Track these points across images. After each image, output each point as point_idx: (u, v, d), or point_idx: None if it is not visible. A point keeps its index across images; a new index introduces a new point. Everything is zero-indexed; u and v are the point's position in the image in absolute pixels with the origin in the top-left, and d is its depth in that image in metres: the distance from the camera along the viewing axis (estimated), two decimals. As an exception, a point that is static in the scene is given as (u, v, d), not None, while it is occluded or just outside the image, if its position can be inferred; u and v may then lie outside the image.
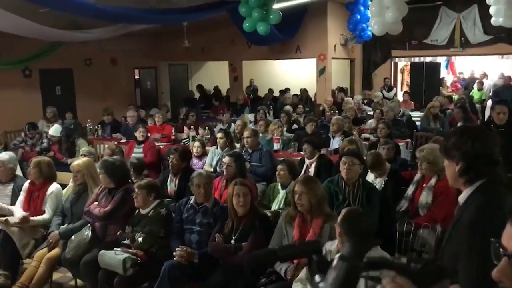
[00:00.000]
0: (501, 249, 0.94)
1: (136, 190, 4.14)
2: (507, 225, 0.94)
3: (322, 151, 5.99)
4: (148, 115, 10.17)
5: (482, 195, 1.88)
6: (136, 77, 15.15)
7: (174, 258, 3.71)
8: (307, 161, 5.64)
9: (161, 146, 7.35)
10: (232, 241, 3.72)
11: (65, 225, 4.52)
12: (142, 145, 6.83)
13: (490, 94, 12.49)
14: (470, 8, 12.68)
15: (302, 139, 7.08)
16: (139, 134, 6.90)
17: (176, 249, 3.74)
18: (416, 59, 14.42)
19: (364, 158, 5.55)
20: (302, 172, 5.51)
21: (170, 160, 5.23)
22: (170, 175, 5.24)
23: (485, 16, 10.95)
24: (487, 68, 14.68)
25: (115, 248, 3.95)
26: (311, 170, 5.55)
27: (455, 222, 1.97)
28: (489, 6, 9.51)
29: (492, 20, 9.65)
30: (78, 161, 4.89)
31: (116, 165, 4.50)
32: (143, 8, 9.12)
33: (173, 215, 4.19)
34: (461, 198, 1.97)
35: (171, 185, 5.17)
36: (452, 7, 12.99)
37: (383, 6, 6.59)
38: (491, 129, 5.16)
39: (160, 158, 6.88)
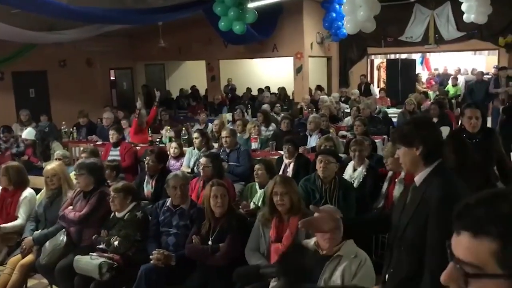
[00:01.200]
0: (448, 251, 0.94)
1: (112, 193, 4.08)
2: (454, 233, 0.94)
3: (300, 150, 6.00)
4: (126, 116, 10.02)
5: (439, 174, 2.18)
6: (112, 78, 14.98)
7: (151, 262, 3.67)
8: (285, 161, 5.63)
9: (137, 148, 7.27)
10: (209, 242, 3.69)
11: (39, 230, 4.43)
12: (119, 147, 6.75)
13: (464, 90, 12.69)
14: (443, 5, 12.89)
15: (280, 137, 7.14)
16: (111, 137, 6.81)
17: (153, 252, 3.70)
18: (392, 56, 14.59)
19: (341, 156, 5.61)
20: (281, 172, 5.52)
21: (146, 162, 5.17)
22: (146, 177, 5.18)
23: (458, 13, 11.13)
24: (461, 64, 14.92)
25: (90, 253, 3.90)
26: (290, 170, 5.55)
27: (418, 202, 2.20)
28: (461, 3, 9.67)
29: (464, 17, 9.82)
30: (52, 165, 4.80)
31: (98, 166, 4.51)
32: (118, 8, 9.02)
33: (150, 217, 4.15)
34: (418, 179, 2.24)
35: (148, 187, 5.11)
36: (425, 4, 13.18)
37: (356, 5, 6.63)
38: (463, 139, 4.16)
39: (136, 160, 6.80)
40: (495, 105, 11.10)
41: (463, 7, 9.63)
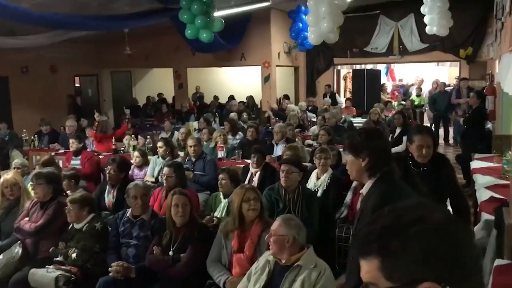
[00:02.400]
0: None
1: (68, 204, 3.96)
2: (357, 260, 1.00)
3: (266, 159, 6.00)
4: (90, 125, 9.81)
5: (382, 183, 2.19)
6: (77, 85, 14.68)
7: (110, 274, 3.57)
8: (252, 170, 5.60)
9: (100, 157, 7.11)
10: (171, 253, 3.62)
11: (-7, 243, 4.27)
12: (80, 156, 6.58)
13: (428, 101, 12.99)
14: (407, 17, 13.19)
15: (246, 146, 7.13)
16: (71, 146, 6.65)
17: (112, 264, 3.61)
18: (358, 67, 14.82)
19: (307, 165, 5.63)
20: (247, 181, 5.49)
21: (107, 171, 5.05)
22: (107, 187, 5.05)
23: (421, 25, 11.41)
24: (424, 75, 15.29)
25: (47, 266, 3.77)
26: (256, 179, 5.53)
27: (361, 212, 2.27)
28: (424, 15, 9.92)
29: (427, 29, 10.07)
30: (11, 174, 4.65)
31: (56, 175, 4.43)
32: (83, 14, 8.84)
33: (109, 229, 4.05)
34: (364, 190, 2.28)
35: (109, 197, 4.97)
36: (390, 16, 13.47)
37: (319, 16, 6.70)
38: (409, 168, 3.38)
39: (99, 169, 6.65)
40: (456, 116, 11.40)
41: (426, 20, 9.88)
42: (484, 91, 9.50)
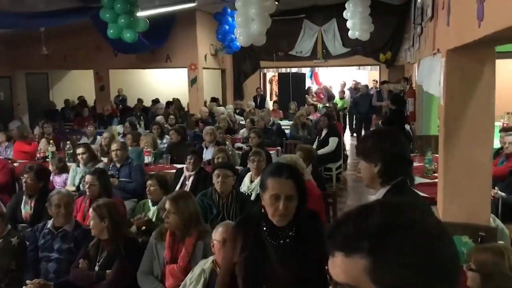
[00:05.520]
0: (327, 276, 0.89)
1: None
2: (329, 255, 0.89)
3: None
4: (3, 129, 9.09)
5: (397, 194, 1.97)
6: (-14, 88, 13.59)
7: (25, 294, 3.24)
8: (186, 173, 5.41)
9: (15, 164, 6.57)
10: (96, 267, 3.36)
11: None
12: (-8, 165, 6.04)
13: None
14: (330, 22, 13.55)
15: (173, 150, 6.94)
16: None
17: (27, 281, 3.26)
18: (283, 70, 15.01)
19: (238, 168, 5.55)
20: (179, 185, 5.31)
21: (24, 180, 4.63)
22: (24, 197, 4.63)
23: (343, 29, 11.77)
24: (346, 78, 15.79)
25: (-47, 289, 3.37)
26: (189, 183, 5.35)
27: None
28: (346, 20, 10.22)
29: (349, 34, 10.38)
30: None
31: None
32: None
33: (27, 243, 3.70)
34: (375, 198, 2.01)
35: (26, 209, 4.56)
36: (314, 21, 13.77)
37: (248, 17, 6.66)
38: (261, 237, 2.11)
39: (14, 178, 6.13)
40: (377, 117, 11.85)
41: (348, 24, 10.19)
42: (404, 94, 9.96)
